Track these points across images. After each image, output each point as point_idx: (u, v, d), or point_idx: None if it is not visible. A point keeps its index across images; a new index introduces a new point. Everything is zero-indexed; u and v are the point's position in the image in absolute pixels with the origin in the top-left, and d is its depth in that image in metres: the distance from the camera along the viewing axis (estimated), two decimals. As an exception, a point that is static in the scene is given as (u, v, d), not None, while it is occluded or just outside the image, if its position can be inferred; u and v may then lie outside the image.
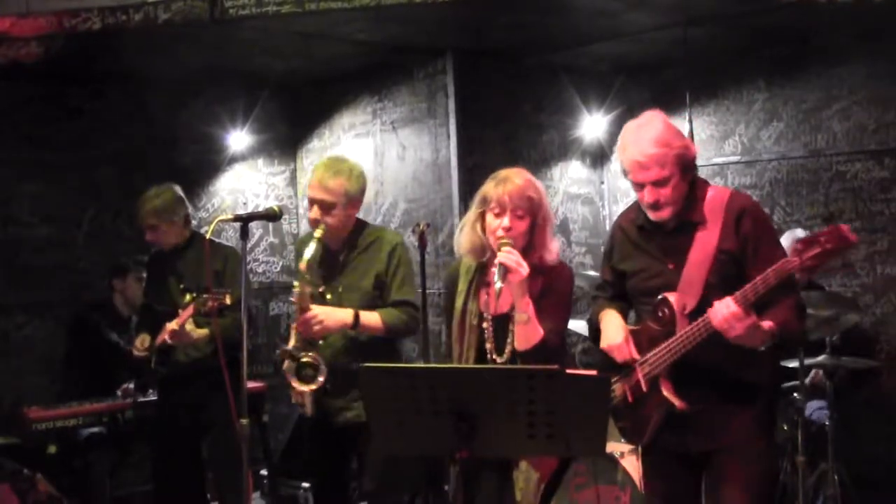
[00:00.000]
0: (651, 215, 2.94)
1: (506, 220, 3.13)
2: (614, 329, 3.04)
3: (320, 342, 3.66)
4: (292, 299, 3.65)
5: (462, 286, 3.34)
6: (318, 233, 3.67)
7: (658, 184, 2.85)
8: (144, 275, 4.97)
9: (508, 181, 3.18)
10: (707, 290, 2.82)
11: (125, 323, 5.46)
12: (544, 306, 3.14)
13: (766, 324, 2.72)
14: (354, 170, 3.77)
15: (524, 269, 3.03)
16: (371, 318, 3.63)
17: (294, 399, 3.76)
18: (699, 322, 2.78)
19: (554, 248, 3.21)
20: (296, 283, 3.63)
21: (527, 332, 3.09)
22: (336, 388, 3.69)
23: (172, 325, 4.22)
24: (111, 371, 5.27)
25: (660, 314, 2.91)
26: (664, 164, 2.83)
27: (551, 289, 3.19)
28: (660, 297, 2.91)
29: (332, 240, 3.80)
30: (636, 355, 2.96)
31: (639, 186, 2.90)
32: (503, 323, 3.20)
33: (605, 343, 3.05)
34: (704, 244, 2.87)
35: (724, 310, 2.67)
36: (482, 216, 3.23)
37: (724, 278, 2.80)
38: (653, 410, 2.94)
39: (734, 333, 2.67)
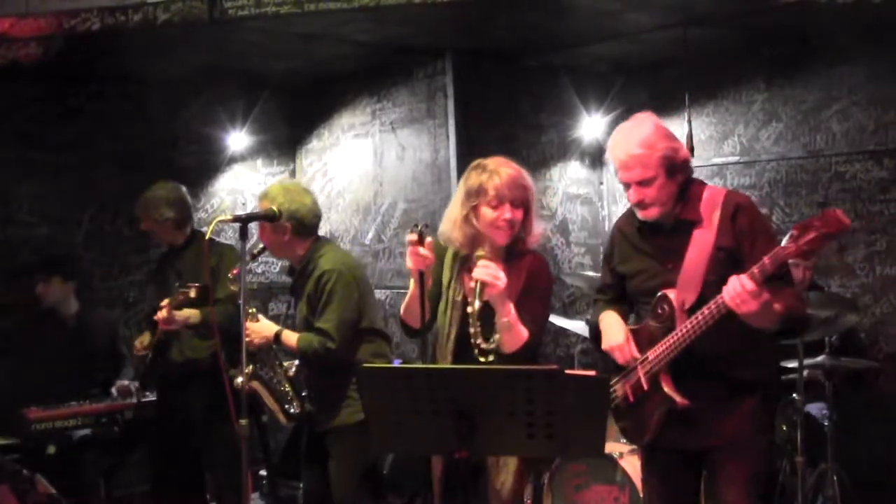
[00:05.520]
0: (638, 214, 2.99)
1: (507, 213, 3.13)
2: (615, 330, 3.07)
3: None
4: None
5: (447, 270, 3.30)
6: (257, 248, 3.84)
7: (642, 184, 2.91)
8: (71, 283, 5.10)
9: (501, 172, 3.19)
10: (705, 286, 2.84)
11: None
12: (525, 304, 3.11)
13: (775, 305, 2.72)
14: (282, 196, 3.73)
15: (501, 282, 2.95)
16: (290, 338, 3.76)
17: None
18: (712, 304, 2.75)
19: (537, 232, 3.23)
20: None
21: (511, 337, 3.04)
22: (313, 399, 3.84)
23: (160, 314, 4.38)
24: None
25: (659, 311, 2.94)
26: (647, 166, 2.89)
27: (532, 287, 3.16)
28: (659, 293, 2.94)
29: (290, 260, 3.91)
30: (637, 354, 2.98)
31: (626, 186, 2.96)
32: (490, 310, 3.06)
33: (606, 344, 3.08)
34: (702, 242, 2.90)
35: (739, 286, 2.65)
36: (475, 209, 3.18)
37: (722, 275, 2.80)
38: (654, 409, 2.96)
39: (748, 308, 2.65)
